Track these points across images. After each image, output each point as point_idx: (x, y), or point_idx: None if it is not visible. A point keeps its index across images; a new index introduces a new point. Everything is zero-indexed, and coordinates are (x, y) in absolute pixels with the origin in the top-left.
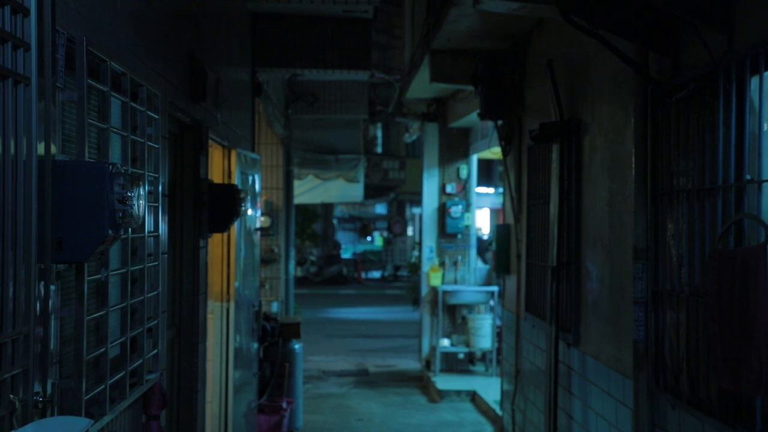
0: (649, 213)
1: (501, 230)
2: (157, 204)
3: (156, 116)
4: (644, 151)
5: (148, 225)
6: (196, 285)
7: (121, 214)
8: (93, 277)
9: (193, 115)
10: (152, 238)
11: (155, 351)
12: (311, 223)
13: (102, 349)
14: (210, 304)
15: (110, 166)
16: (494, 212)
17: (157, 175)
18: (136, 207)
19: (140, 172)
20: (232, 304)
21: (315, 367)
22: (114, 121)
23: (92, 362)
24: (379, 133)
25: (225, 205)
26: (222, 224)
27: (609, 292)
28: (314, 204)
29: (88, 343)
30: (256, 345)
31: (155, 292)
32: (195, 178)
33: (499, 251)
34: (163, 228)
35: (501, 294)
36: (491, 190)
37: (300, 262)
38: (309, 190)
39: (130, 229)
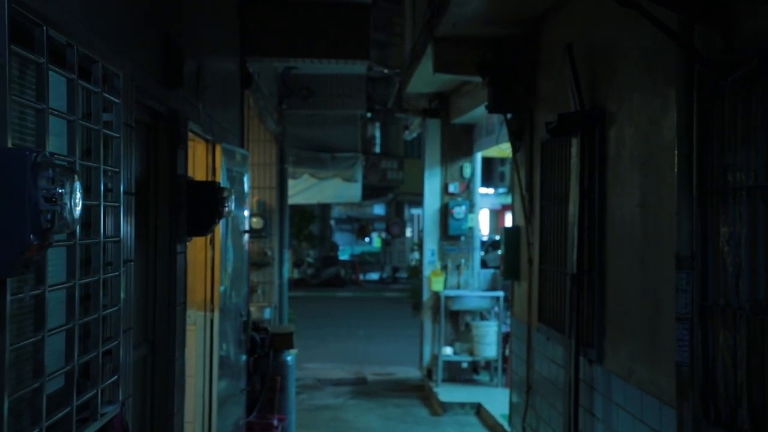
0: (695, 215)
1: (510, 233)
2: (117, 204)
3: (116, 100)
4: (688, 143)
5: (109, 228)
6: (173, 295)
7: (49, 216)
8: (17, 296)
9: (168, 104)
10: (112, 244)
11: (115, 377)
12: (308, 224)
13: (35, 384)
14: (192, 314)
15: (33, 154)
16: (494, 213)
17: (117, 170)
18: (69, 206)
19: (94, 165)
20: (216, 314)
21: (310, 375)
22: (60, 103)
23: (27, 400)
24: (377, 133)
25: (206, 204)
26: (203, 226)
27: (641, 305)
28: (311, 204)
29: (22, 376)
30: (244, 357)
31: (115, 308)
32: (171, 174)
33: (508, 255)
34: (126, 231)
35: (509, 301)
36: (491, 190)
37: (297, 264)
38: (304, 190)
39: (78, 234)
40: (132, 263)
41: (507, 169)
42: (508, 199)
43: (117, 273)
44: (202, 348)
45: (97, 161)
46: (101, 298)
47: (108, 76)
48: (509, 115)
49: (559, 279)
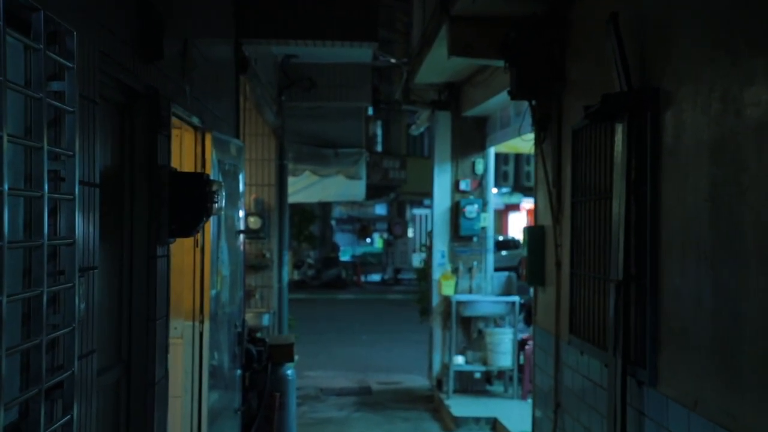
0: None
1: (533, 233)
2: (71, 197)
3: (69, 64)
4: None
5: (61, 228)
6: (152, 307)
7: None
8: None
9: (145, 81)
10: (64, 248)
11: (68, 417)
12: (309, 224)
13: None
14: (179, 324)
15: None
16: (497, 213)
17: (71, 154)
18: None
19: (35, 144)
20: (206, 324)
21: (312, 384)
22: None
23: None
24: (379, 131)
25: (192, 200)
26: (188, 226)
27: (712, 318)
28: (311, 204)
29: None
30: (239, 373)
31: (68, 329)
32: (150, 164)
33: (532, 258)
34: (87, 231)
35: (524, 306)
36: (494, 189)
37: (297, 265)
38: (305, 188)
39: (6, 234)
40: (95, 270)
41: (510, 167)
42: (513, 199)
43: (71, 284)
44: (191, 363)
45: (40, 140)
46: (45, 317)
47: (58, 33)
48: (534, 102)
49: (597, 285)
